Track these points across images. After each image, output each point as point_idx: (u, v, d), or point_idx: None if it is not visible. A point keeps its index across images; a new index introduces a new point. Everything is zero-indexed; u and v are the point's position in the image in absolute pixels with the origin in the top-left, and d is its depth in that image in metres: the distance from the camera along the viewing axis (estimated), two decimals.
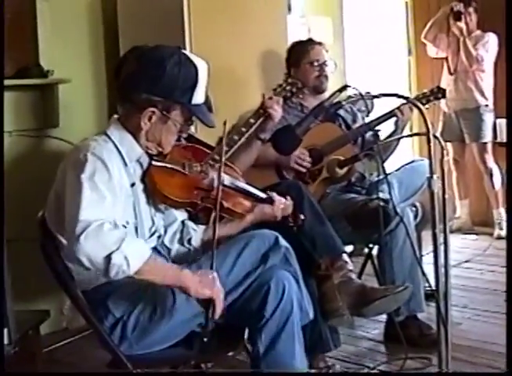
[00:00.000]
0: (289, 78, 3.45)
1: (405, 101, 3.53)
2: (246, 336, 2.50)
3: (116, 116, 2.48)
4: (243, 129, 3.06)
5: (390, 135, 3.73)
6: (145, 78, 2.36)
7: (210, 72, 2.50)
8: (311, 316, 2.58)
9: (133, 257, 2.13)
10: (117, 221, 2.20)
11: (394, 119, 3.69)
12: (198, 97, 2.42)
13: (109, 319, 2.35)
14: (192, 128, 3.56)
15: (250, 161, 3.17)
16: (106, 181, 2.23)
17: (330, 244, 2.90)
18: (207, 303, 2.26)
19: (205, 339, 2.27)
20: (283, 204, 2.71)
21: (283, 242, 2.52)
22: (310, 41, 4.04)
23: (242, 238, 2.51)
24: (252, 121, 3.11)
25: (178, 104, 2.39)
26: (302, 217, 2.76)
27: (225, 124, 2.44)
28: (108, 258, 2.10)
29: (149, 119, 2.38)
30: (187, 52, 2.45)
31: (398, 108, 3.62)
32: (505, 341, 2.84)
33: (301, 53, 3.95)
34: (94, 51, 4.28)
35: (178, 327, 2.37)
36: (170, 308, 2.34)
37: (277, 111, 3.13)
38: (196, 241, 2.62)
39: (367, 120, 3.84)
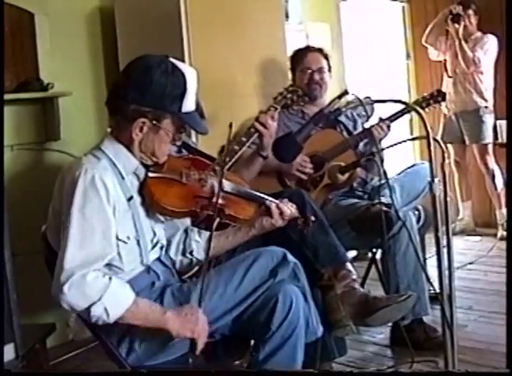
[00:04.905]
0: (290, 86, 3.46)
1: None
2: (251, 344, 2.51)
3: (109, 129, 2.46)
4: (244, 139, 3.06)
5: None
6: (132, 89, 2.33)
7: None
8: (320, 333, 2.58)
9: (113, 308, 2.19)
10: (107, 253, 2.22)
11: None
12: (188, 105, 2.40)
13: (117, 332, 2.35)
14: (194, 139, 3.58)
15: (252, 176, 3.16)
16: (97, 207, 2.23)
17: (333, 254, 2.89)
18: (191, 340, 2.29)
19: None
20: (283, 213, 2.62)
21: (291, 258, 2.52)
22: (307, 48, 4.08)
23: (250, 255, 2.51)
24: (252, 130, 3.10)
25: (168, 113, 2.36)
26: (313, 219, 2.68)
27: (230, 127, 2.42)
28: (88, 309, 2.17)
29: (141, 130, 2.35)
30: (174, 60, 2.41)
31: (374, 126, 3.62)
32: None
33: (296, 61, 4.01)
34: (93, 63, 4.30)
35: (186, 339, 2.35)
36: None
37: (267, 128, 3.09)
38: (198, 253, 2.61)
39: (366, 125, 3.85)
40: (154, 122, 2.35)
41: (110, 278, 2.20)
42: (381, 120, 3.65)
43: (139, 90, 2.32)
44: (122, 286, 2.25)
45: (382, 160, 3.59)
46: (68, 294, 2.14)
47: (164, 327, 2.27)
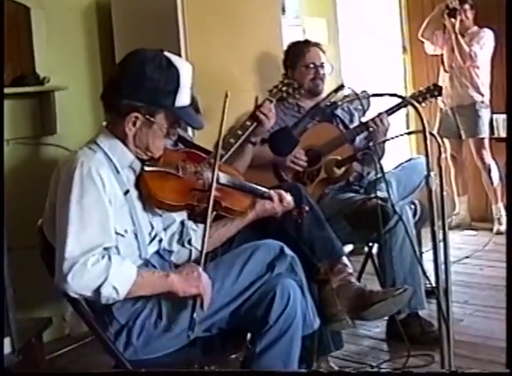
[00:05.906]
0: (285, 79, 3.45)
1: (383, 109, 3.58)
2: (248, 338, 2.51)
3: (104, 123, 2.47)
4: (239, 132, 3.06)
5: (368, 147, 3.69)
6: (126, 83, 2.34)
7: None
8: (316, 326, 2.59)
9: (121, 284, 2.21)
10: (105, 242, 2.23)
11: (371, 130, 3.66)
12: (182, 100, 2.39)
13: (114, 325, 2.35)
14: (190, 133, 3.57)
15: (245, 165, 3.17)
16: (95, 198, 2.24)
17: (329, 248, 2.89)
18: (195, 297, 2.31)
19: (190, 334, 2.32)
20: (283, 199, 2.69)
21: (288, 251, 2.52)
22: (307, 42, 4.03)
23: (247, 248, 2.51)
24: (248, 123, 3.11)
25: (161, 108, 2.36)
26: (307, 209, 2.73)
27: (226, 96, 2.54)
28: (97, 291, 2.18)
29: (134, 124, 2.35)
30: (169, 54, 2.41)
31: (372, 120, 3.61)
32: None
33: (297, 55, 3.95)
34: (90, 57, 4.29)
35: (184, 333, 2.35)
36: (175, 314, 2.34)
37: (269, 118, 3.11)
38: (196, 242, 2.60)
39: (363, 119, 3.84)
40: (147, 117, 2.35)
41: (110, 257, 2.21)
42: (378, 114, 3.65)
43: (133, 84, 2.33)
44: (123, 261, 2.26)
45: (383, 153, 3.61)
46: (72, 284, 2.16)
47: (170, 290, 2.29)
